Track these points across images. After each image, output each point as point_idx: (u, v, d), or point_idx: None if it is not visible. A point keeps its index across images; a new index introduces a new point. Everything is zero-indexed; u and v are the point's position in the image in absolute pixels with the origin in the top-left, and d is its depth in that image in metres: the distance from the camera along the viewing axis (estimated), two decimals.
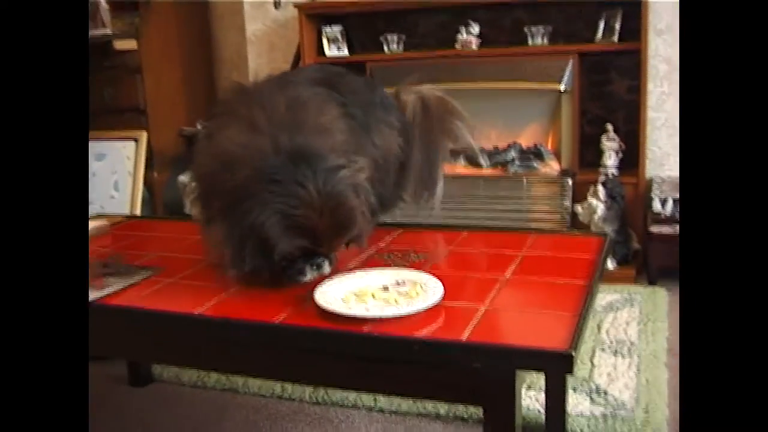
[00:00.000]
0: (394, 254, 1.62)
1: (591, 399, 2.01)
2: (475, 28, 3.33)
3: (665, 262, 2.86)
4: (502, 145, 3.37)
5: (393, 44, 3.45)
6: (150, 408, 2.14)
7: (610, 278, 2.86)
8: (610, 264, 2.97)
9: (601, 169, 3.10)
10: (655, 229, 2.90)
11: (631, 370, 2.16)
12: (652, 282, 2.92)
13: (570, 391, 1.99)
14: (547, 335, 1.19)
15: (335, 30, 3.54)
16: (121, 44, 3.40)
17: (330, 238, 1.42)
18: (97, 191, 3.30)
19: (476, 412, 1.93)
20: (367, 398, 2.06)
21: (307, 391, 2.12)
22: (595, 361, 2.23)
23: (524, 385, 2.04)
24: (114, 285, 1.48)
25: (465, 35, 3.33)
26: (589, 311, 1.28)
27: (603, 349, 2.31)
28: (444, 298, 1.30)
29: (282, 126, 1.43)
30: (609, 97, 3.28)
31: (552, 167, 3.26)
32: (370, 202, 1.49)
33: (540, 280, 1.44)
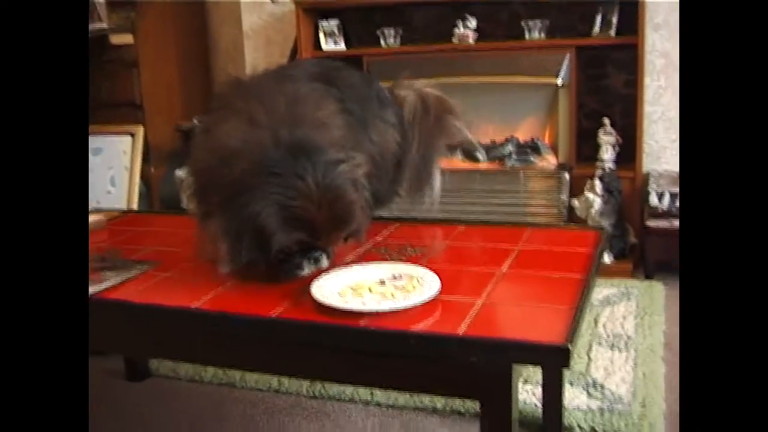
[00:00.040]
0: (390, 248, 1.62)
1: (588, 393, 2.01)
2: (472, 22, 3.32)
3: (662, 256, 2.87)
4: (499, 139, 3.37)
5: (390, 38, 3.45)
6: (147, 403, 2.14)
7: (607, 272, 2.87)
8: (607, 258, 2.97)
9: (598, 163, 3.10)
10: (651, 223, 2.90)
11: (628, 364, 2.16)
12: (648, 276, 2.93)
13: (567, 385, 1.99)
14: (543, 329, 1.19)
15: (332, 24, 3.53)
16: (117, 38, 3.39)
17: (328, 232, 1.42)
18: (93, 186, 3.30)
19: (473, 406, 1.93)
20: (363, 392, 2.06)
21: (304, 385, 2.12)
22: (592, 355, 2.24)
23: (521, 379, 2.04)
24: (111, 279, 1.48)
25: (462, 29, 3.32)
26: (586, 305, 1.29)
27: (600, 343, 2.32)
28: (441, 292, 1.30)
29: (281, 120, 1.43)
30: (606, 91, 3.28)
31: (549, 161, 3.26)
32: (367, 197, 1.49)
33: (537, 274, 1.44)
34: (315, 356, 1.30)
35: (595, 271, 1.44)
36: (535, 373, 2.05)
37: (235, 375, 2.21)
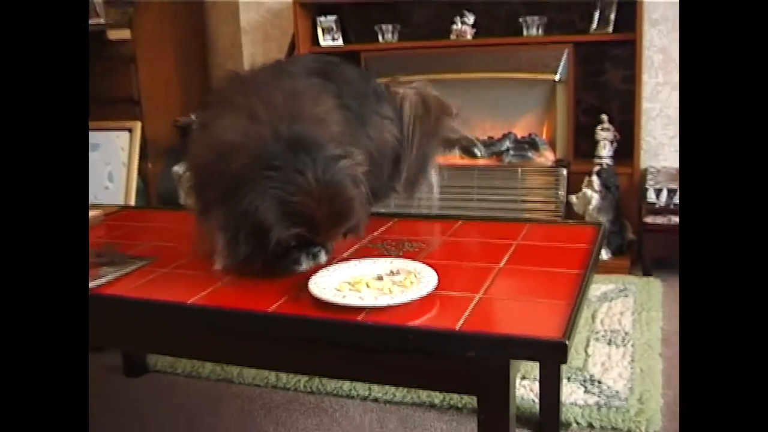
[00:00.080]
0: (388, 243, 1.62)
1: (585, 388, 2.01)
2: (470, 18, 3.32)
3: (660, 253, 2.87)
4: (496, 135, 3.37)
5: (388, 34, 3.44)
6: (145, 398, 2.14)
7: (605, 268, 2.87)
8: (605, 254, 2.97)
9: (596, 160, 3.10)
10: (649, 219, 2.90)
11: (626, 360, 2.17)
12: (646, 272, 2.93)
13: (564, 381, 1.99)
14: (541, 324, 1.19)
15: (330, 20, 3.52)
16: (114, 34, 3.38)
17: (327, 227, 1.41)
18: (91, 182, 3.29)
19: (470, 401, 1.93)
20: (361, 387, 2.06)
21: (302, 381, 2.13)
22: (590, 350, 2.24)
23: (519, 375, 2.05)
24: (108, 275, 1.48)
25: (460, 25, 3.32)
26: (584, 300, 1.29)
27: (597, 339, 2.32)
28: (438, 287, 1.31)
29: (280, 115, 1.43)
30: (604, 88, 3.28)
31: (547, 157, 3.26)
32: (366, 193, 1.49)
33: (534, 269, 1.44)
34: (313, 351, 1.30)
35: (592, 266, 1.44)
36: (532, 368, 2.05)
37: (233, 370, 2.21)
